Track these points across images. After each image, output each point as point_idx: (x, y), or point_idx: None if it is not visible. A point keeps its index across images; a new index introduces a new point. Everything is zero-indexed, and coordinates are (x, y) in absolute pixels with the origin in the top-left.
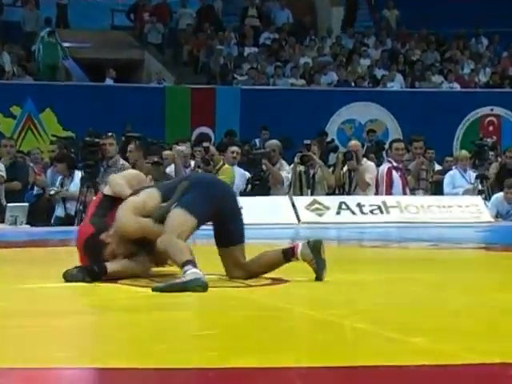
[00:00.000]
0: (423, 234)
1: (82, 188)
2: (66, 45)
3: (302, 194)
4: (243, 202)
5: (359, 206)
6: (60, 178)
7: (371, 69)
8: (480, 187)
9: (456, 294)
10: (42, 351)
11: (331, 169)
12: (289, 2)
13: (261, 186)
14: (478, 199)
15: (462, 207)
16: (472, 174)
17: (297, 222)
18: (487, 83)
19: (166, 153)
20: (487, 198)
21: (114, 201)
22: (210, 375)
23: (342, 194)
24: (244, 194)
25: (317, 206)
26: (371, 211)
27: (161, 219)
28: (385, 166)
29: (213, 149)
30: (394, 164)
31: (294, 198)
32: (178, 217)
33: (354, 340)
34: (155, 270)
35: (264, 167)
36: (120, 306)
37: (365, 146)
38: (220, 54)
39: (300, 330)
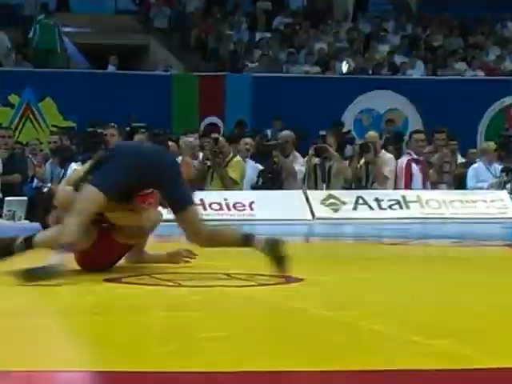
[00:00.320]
0: (445, 230)
1: None
2: (66, 29)
3: (316, 188)
4: (255, 195)
5: (377, 200)
6: (59, 171)
7: (390, 55)
8: (506, 180)
9: (480, 294)
10: (42, 353)
11: (347, 161)
12: None
13: (273, 179)
14: (504, 194)
15: (486, 202)
16: (497, 167)
17: (311, 217)
18: None
19: (172, 144)
20: None
21: None
22: (219, 379)
23: (359, 188)
24: (255, 187)
25: (332, 200)
26: (390, 206)
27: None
28: (404, 159)
29: (222, 140)
30: (414, 156)
31: (308, 192)
32: (85, 195)
33: (371, 343)
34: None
35: (276, 159)
36: (124, 306)
37: (383, 138)
38: (230, 40)
39: (314, 332)
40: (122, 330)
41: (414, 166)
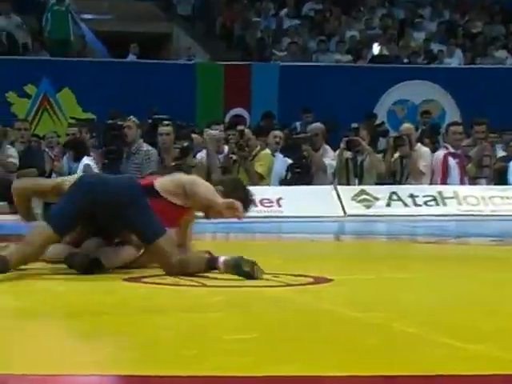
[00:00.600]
0: (484, 228)
1: None
2: (84, 16)
3: (348, 184)
4: (283, 191)
5: (412, 196)
6: (76, 165)
7: (426, 43)
8: None
9: None
10: (60, 356)
11: (381, 155)
12: None
13: (302, 174)
14: None
15: None
16: None
17: (342, 214)
18: None
19: (196, 136)
20: None
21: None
22: None
23: (393, 183)
24: (284, 182)
25: (365, 196)
26: (425, 203)
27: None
28: (441, 152)
29: (248, 132)
30: (451, 150)
31: (340, 187)
32: (36, 229)
33: (403, 346)
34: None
35: (305, 153)
36: (144, 307)
37: (419, 130)
38: (257, 27)
39: (344, 335)
40: (143, 331)
41: (450, 159)
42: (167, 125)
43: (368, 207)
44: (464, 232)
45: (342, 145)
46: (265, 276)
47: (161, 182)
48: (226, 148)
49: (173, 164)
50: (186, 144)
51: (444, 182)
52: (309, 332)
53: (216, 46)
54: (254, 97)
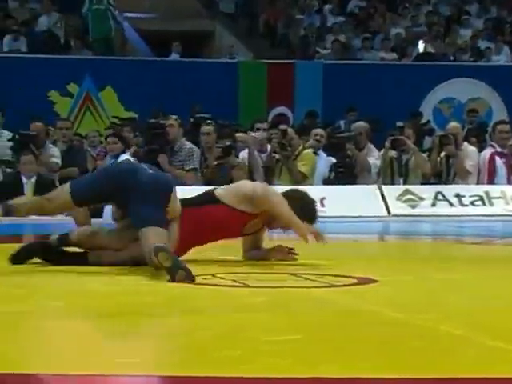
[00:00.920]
0: None
1: None
2: (127, 15)
3: (392, 183)
4: (326, 191)
5: (458, 196)
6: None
7: (473, 40)
8: None
9: None
10: (100, 356)
11: (426, 154)
12: None
13: (346, 173)
14: None
15: None
16: None
17: (387, 214)
18: None
19: (240, 135)
20: None
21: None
22: None
23: (439, 182)
24: (327, 182)
25: (410, 196)
26: (472, 203)
27: None
28: (487, 152)
29: (291, 131)
30: (498, 149)
31: (384, 187)
32: (59, 190)
33: (449, 348)
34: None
35: (349, 152)
36: (186, 307)
37: (465, 129)
38: (300, 25)
39: (389, 336)
40: (185, 332)
41: (497, 159)
42: (209, 124)
43: (413, 207)
44: (511, 233)
45: (387, 144)
46: (309, 276)
47: (225, 189)
48: (269, 147)
49: (215, 163)
50: (228, 143)
51: (491, 181)
52: (352, 333)
53: (259, 43)
54: (298, 95)
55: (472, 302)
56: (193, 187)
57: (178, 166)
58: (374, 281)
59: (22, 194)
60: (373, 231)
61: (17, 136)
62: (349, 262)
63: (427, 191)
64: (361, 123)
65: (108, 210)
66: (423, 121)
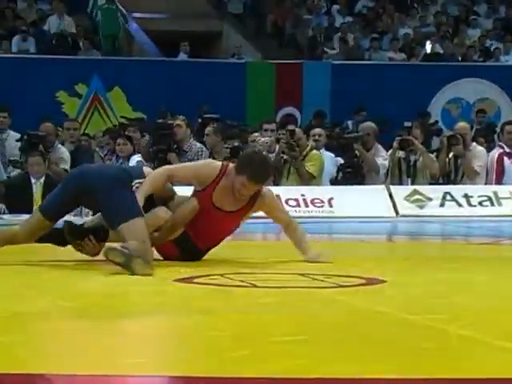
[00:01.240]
0: None
1: None
2: (135, 15)
3: (400, 184)
4: (334, 191)
5: (466, 196)
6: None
7: (482, 40)
8: None
9: None
10: (108, 356)
11: (434, 155)
12: None
13: (354, 173)
14: None
15: None
16: None
17: (395, 214)
18: None
19: (256, 135)
20: None
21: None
22: None
23: (447, 183)
24: (335, 182)
25: (418, 196)
26: (480, 203)
27: None
28: (495, 152)
29: (299, 132)
30: (507, 149)
31: (392, 187)
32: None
33: (459, 349)
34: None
35: (357, 153)
36: (195, 307)
37: (473, 129)
38: (308, 25)
39: (398, 337)
40: (195, 332)
41: (506, 159)
42: (210, 125)
43: (421, 207)
44: None
45: (395, 144)
46: (317, 277)
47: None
48: (277, 147)
49: None
50: (236, 144)
51: (499, 182)
52: (361, 334)
53: (267, 44)
54: (306, 96)
55: (480, 302)
56: None
57: None
58: (383, 281)
59: (31, 194)
60: (381, 232)
61: (25, 136)
62: (357, 263)
63: (435, 191)
64: (368, 123)
65: None
66: (431, 121)
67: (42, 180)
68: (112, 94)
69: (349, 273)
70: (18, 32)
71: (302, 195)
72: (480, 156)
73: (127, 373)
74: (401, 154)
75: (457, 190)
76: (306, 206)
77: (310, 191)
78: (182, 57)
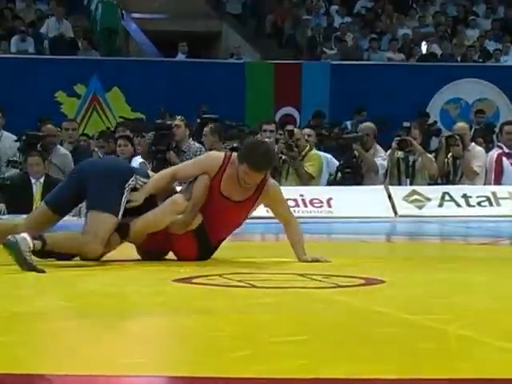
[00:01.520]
0: None
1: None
2: (134, 15)
3: (399, 184)
4: (333, 191)
5: (465, 197)
6: None
7: (481, 41)
8: None
9: None
10: (108, 356)
11: (433, 155)
12: None
13: (352, 174)
14: None
15: None
16: None
17: (393, 215)
18: None
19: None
20: None
21: None
22: None
23: (446, 183)
24: (334, 183)
25: (416, 197)
26: (479, 203)
27: None
28: (494, 152)
29: (298, 132)
30: (506, 150)
31: (391, 188)
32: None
33: (459, 349)
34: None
35: (356, 153)
36: (195, 308)
37: (472, 129)
38: (307, 26)
39: (398, 337)
40: (193, 332)
41: (505, 160)
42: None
43: (420, 208)
44: None
45: (394, 144)
46: (315, 277)
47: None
48: (276, 147)
49: None
50: (235, 144)
51: (498, 182)
52: (360, 334)
53: (266, 44)
54: (305, 96)
55: (480, 302)
56: None
57: None
58: (381, 281)
59: (31, 194)
60: (379, 232)
61: (24, 137)
62: (356, 263)
63: (434, 192)
64: (367, 124)
65: None
66: (430, 121)
67: (42, 180)
68: (111, 95)
69: (348, 273)
70: (16, 32)
71: (301, 195)
72: (479, 156)
73: (127, 373)
74: (400, 154)
75: (455, 191)
76: (305, 206)
77: (308, 191)
78: (180, 57)
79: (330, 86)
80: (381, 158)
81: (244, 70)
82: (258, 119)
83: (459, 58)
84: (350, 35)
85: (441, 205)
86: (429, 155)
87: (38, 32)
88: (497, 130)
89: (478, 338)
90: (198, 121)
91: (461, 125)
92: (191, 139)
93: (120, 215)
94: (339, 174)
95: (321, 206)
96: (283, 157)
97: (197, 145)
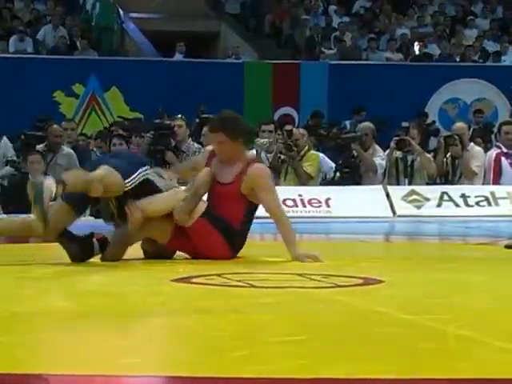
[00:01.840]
0: None
1: None
2: (133, 15)
3: (398, 184)
4: (332, 191)
5: (463, 197)
6: None
7: (479, 41)
8: None
9: None
10: (107, 356)
11: (432, 155)
12: None
13: (351, 174)
14: None
15: None
16: None
17: (392, 214)
18: None
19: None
20: None
21: None
22: None
23: (445, 183)
24: (332, 183)
25: (415, 196)
26: (477, 203)
27: None
28: (493, 152)
29: (297, 132)
30: (504, 150)
31: (389, 187)
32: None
33: (458, 349)
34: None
35: (355, 153)
36: (193, 307)
37: (471, 129)
38: (306, 25)
39: (396, 337)
40: (192, 332)
41: (503, 160)
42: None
43: (418, 207)
44: None
45: (392, 144)
46: (314, 277)
47: None
48: (275, 147)
49: None
50: None
51: (496, 182)
52: (359, 334)
53: (264, 44)
54: (303, 96)
55: (479, 302)
56: None
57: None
58: (380, 281)
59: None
60: (378, 232)
61: (22, 136)
62: (354, 263)
63: (432, 192)
64: (366, 124)
65: None
66: (429, 121)
67: None
68: (109, 94)
69: (347, 273)
70: (15, 32)
71: (300, 195)
72: (478, 156)
73: (126, 373)
74: (398, 154)
75: (454, 190)
76: (304, 206)
77: (307, 191)
78: (178, 57)
79: (329, 86)
80: (379, 158)
81: (243, 69)
82: (257, 119)
83: (458, 58)
84: (349, 35)
85: (439, 205)
86: (427, 155)
87: (37, 32)
88: (495, 129)
89: (477, 337)
90: (197, 121)
91: (460, 125)
92: (190, 139)
93: (131, 183)
94: (338, 174)
95: (319, 206)
96: (282, 157)
97: (196, 145)
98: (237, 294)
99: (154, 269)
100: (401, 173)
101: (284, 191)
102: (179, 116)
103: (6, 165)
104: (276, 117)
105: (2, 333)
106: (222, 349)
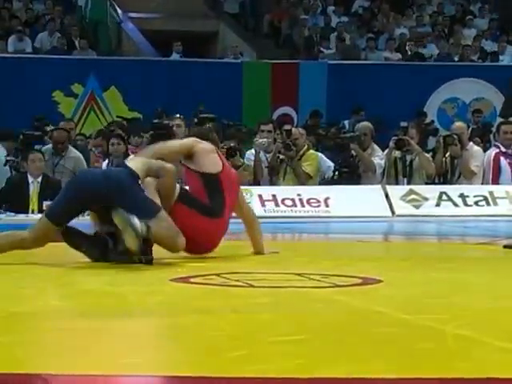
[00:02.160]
0: None
1: None
2: (131, 15)
3: (397, 183)
4: (331, 191)
5: (462, 196)
6: None
7: (477, 40)
8: None
9: None
10: (106, 356)
11: (430, 154)
12: None
13: (350, 173)
14: None
15: None
16: None
17: (391, 214)
18: None
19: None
20: None
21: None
22: None
23: (443, 183)
24: (331, 182)
25: (414, 196)
26: (476, 203)
27: None
28: (492, 152)
29: (295, 131)
30: (503, 149)
31: (388, 187)
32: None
33: (457, 349)
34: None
35: (353, 153)
36: (192, 307)
37: (469, 129)
38: (304, 25)
39: (395, 337)
40: (191, 332)
41: (502, 159)
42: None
43: (417, 207)
44: None
45: (391, 144)
46: (313, 277)
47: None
48: (274, 147)
49: None
50: (232, 144)
51: (495, 182)
52: (358, 334)
53: (263, 44)
54: (302, 95)
55: (478, 302)
56: None
57: None
58: (379, 281)
59: (28, 194)
60: (377, 231)
61: (21, 136)
62: (353, 263)
63: (431, 191)
64: (365, 123)
65: None
66: (427, 121)
67: (39, 179)
68: (108, 94)
69: (345, 272)
70: (13, 32)
71: (299, 195)
72: (477, 156)
73: (125, 373)
74: (397, 153)
75: (453, 190)
76: (303, 205)
77: (306, 191)
78: (175, 56)
79: (327, 86)
80: (378, 158)
81: (241, 69)
82: (256, 118)
83: (456, 58)
84: (347, 35)
85: (438, 204)
86: (426, 155)
87: (36, 32)
88: (494, 129)
89: (476, 337)
90: (196, 120)
91: (459, 124)
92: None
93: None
94: (337, 174)
95: (318, 206)
96: (281, 156)
97: None
98: (236, 293)
99: (152, 268)
100: (400, 172)
101: (283, 191)
102: (178, 116)
103: (5, 165)
104: (275, 116)
105: (2, 333)
106: (221, 349)
